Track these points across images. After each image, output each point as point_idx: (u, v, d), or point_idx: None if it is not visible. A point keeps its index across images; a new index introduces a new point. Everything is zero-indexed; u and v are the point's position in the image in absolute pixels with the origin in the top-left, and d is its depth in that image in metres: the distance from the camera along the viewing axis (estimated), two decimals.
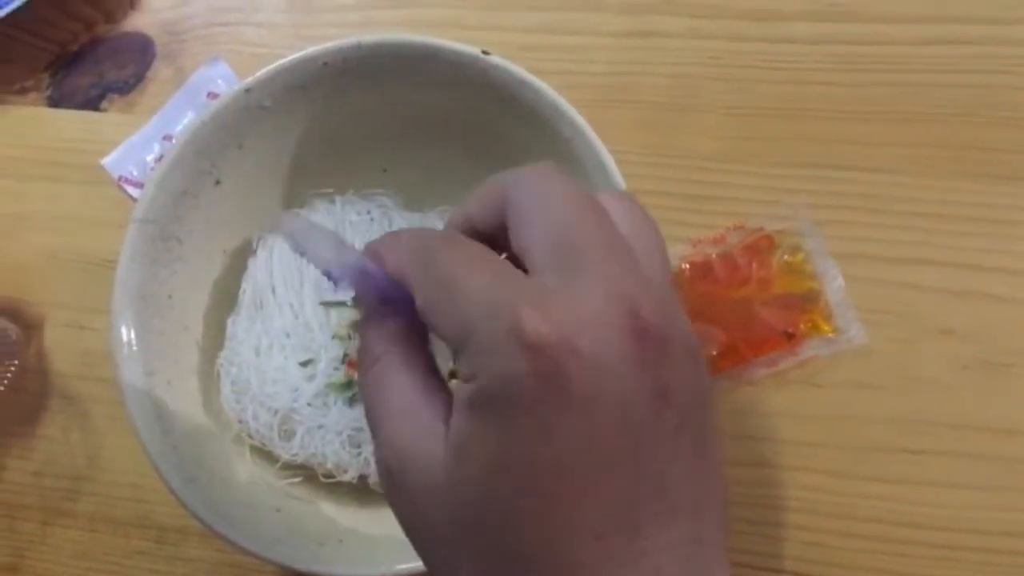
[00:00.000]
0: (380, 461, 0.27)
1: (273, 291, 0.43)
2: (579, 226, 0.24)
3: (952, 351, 0.48)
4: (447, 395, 0.26)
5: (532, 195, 0.25)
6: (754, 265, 0.49)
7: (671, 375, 0.23)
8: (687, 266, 0.50)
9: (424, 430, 0.25)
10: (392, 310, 0.27)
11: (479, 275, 0.24)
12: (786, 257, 0.49)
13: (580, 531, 0.23)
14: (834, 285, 0.49)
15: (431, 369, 0.27)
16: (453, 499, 0.24)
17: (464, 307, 0.24)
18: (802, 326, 0.48)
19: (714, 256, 0.50)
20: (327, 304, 0.43)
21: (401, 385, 0.26)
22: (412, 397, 0.26)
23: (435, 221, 0.46)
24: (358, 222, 0.45)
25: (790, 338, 0.48)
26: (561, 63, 0.55)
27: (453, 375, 0.39)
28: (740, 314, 0.49)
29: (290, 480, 0.44)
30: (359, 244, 0.44)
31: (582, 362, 0.22)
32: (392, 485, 0.26)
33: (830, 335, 0.48)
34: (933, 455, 0.46)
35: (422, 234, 0.27)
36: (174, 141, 0.43)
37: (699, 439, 0.24)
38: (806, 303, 0.49)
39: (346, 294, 0.44)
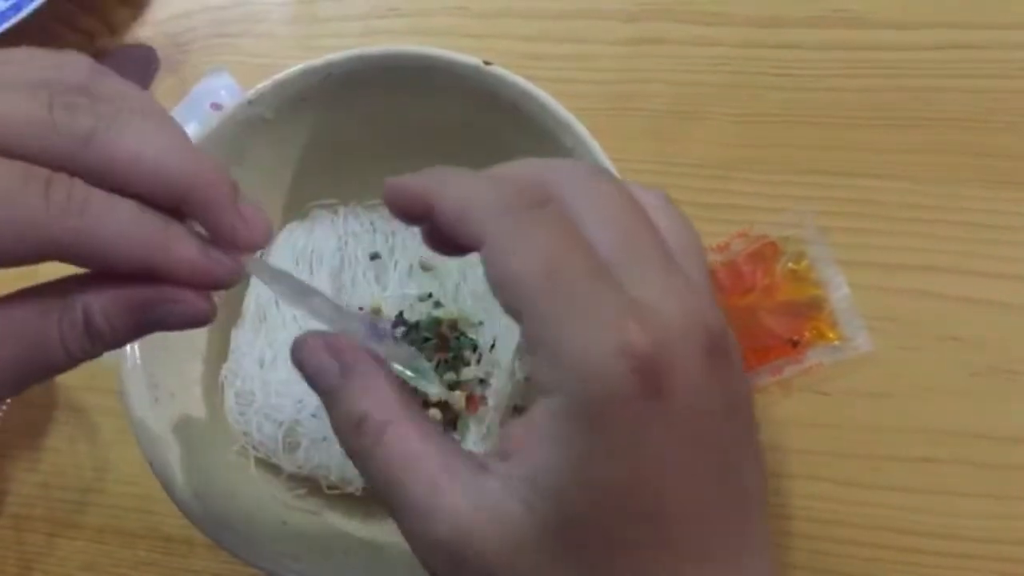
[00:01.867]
0: (437, 540, 0.23)
1: (277, 303, 0.43)
2: (637, 234, 0.24)
3: (959, 358, 0.47)
4: (456, 445, 0.25)
5: (586, 195, 0.24)
6: (759, 273, 0.49)
7: (737, 386, 0.23)
8: None
9: (481, 490, 0.23)
10: (369, 357, 0.26)
11: (582, 269, 0.22)
12: (790, 264, 0.49)
13: (681, 553, 0.23)
14: (839, 292, 0.48)
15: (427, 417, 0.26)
16: (547, 541, 0.22)
17: (558, 300, 0.22)
18: (807, 334, 0.48)
19: (719, 264, 0.49)
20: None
21: (432, 451, 0.24)
22: (448, 462, 0.24)
23: None
24: (361, 233, 0.45)
25: (795, 346, 0.48)
26: (565, 71, 0.55)
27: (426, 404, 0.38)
28: (745, 322, 0.48)
29: (295, 492, 0.44)
30: (362, 255, 0.44)
31: (678, 379, 0.22)
32: (458, 562, 0.23)
33: (836, 343, 0.48)
34: (941, 463, 0.46)
35: (496, 183, 0.25)
36: None
37: (756, 439, 0.25)
38: (811, 310, 0.48)
39: (352, 305, 0.44)
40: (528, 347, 0.22)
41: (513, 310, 0.23)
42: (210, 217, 0.25)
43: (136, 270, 0.23)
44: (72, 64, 0.25)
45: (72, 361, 0.24)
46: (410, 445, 0.24)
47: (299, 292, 0.27)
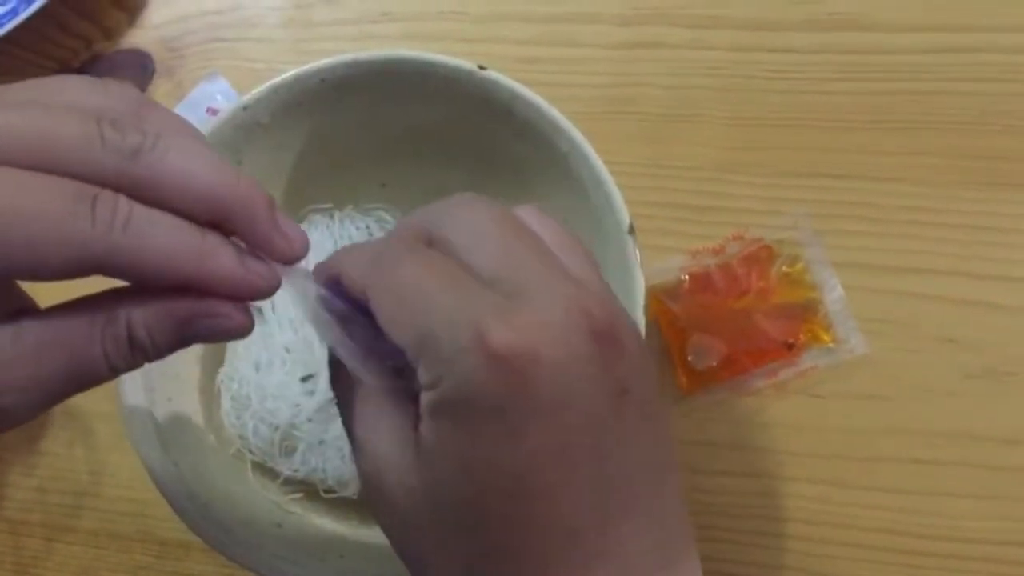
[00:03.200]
0: (359, 468, 0.27)
1: (273, 307, 0.43)
2: (513, 246, 0.25)
3: (954, 360, 0.47)
4: (408, 403, 0.27)
5: (459, 225, 0.26)
6: (754, 275, 0.49)
7: (628, 371, 0.24)
8: (686, 277, 0.49)
9: (396, 435, 0.26)
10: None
11: (438, 283, 0.24)
12: (785, 267, 0.49)
13: (553, 529, 0.24)
14: (834, 295, 0.49)
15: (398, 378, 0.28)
16: (428, 502, 0.25)
17: (424, 316, 0.24)
18: (802, 336, 0.48)
19: (713, 267, 0.50)
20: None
21: (373, 394, 0.27)
22: (383, 405, 0.27)
23: None
24: (357, 237, 0.45)
25: (790, 348, 0.48)
26: (560, 75, 0.55)
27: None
28: (740, 324, 0.48)
29: (291, 495, 0.44)
30: None
31: (547, 369, 0.23)
32: (371, 490, 0.27)
33: (830, 345, 0.48)
34: (936, 465, 0.46)
35: (377, 244, 0.28)
36: None
37: (654, 425, 0.25)
38: (806, 313, 0.49)
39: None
40: (412, 361, 0.24)
41: (401, 343, 0.25)
42: (253, 231, 0.25)
43: (178, 283, 0.24)
44: (121, 92, 0.26)
45: (113, 373, 0.25)
46: (364, 387, 0.27)
47: (330, 315, 0.27)
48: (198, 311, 0.25)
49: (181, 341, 0.26)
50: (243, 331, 0.26)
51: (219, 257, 0.25)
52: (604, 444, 0.24)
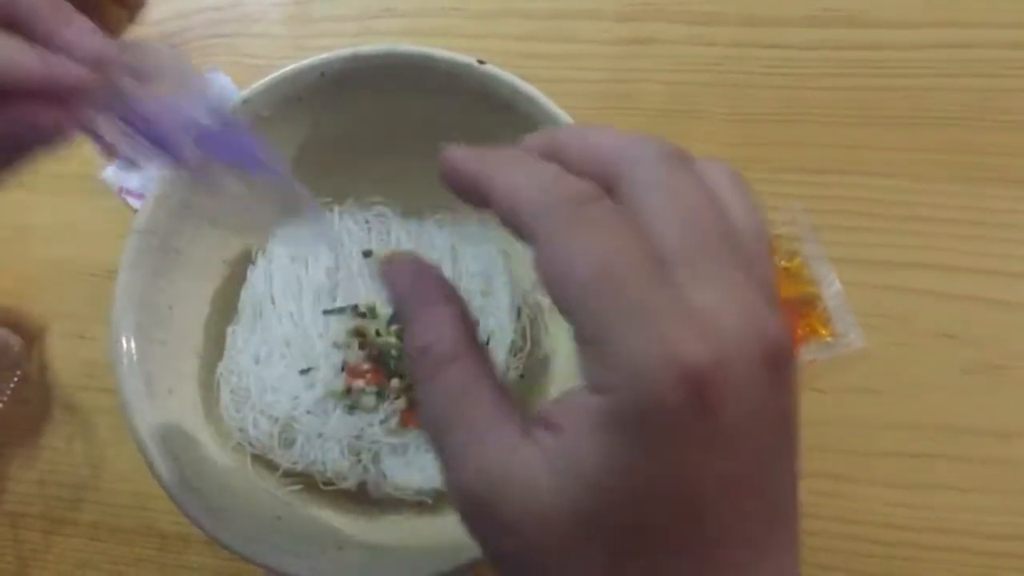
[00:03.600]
0: (464, 487, 0.24)
1: (272, 300, 0.44)
2: (702, 228, 0.23)
3: (952, 355, 0.48)
4: (511, 398, 0.24)
5: (652, 183, 0.23)
6: None
7: (788, 401, 0.23)
8: None
9: (516, 451, 0.23)
10: (445, 290, 0.25)
11: (627, 266, 0.22)
12: (784, 263, 0.49)
13: (708, 560, 0.23)
14: (832, 290, 0.49)
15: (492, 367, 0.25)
16: (579, 522, 0.23)
17: (608, 309, 0.21)
18: (800, 331, 0.48)
19: None
20: (329, 312, 0.43)
21: (484, 397, 0.24)
22: (495, 412, 0.24)
23: (433, 230, 0.46)
24: (356, 231, 0.46)
25: None
26: (559, 71, 0.55)
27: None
28: None
29: (290, 488, 0.44)
30: (357, 253, 0.44)
31: (730, 398, 0.21)
32: (481, 513, 0.24)
33: (829, 339, 0.48)
34: (934, 459, 0.46)
35: (546, 170, 0.24)
36: None
37: (795, 454, 0.24)
38: (805, 308, 0.49)
39: (347, 302, 0.44)
40: (578, 345, 0.22)
41: (562, 309, 0.22)
42: (39, 27, 0.25)
43: None
44: None
45: None
46: (464, 385, 0.24)
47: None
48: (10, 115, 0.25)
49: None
50: (58, 130, 0.26)
51: (16, 53, 0.25)
52: (763, 479, 0.23)
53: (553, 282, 0.22)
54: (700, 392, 0.21)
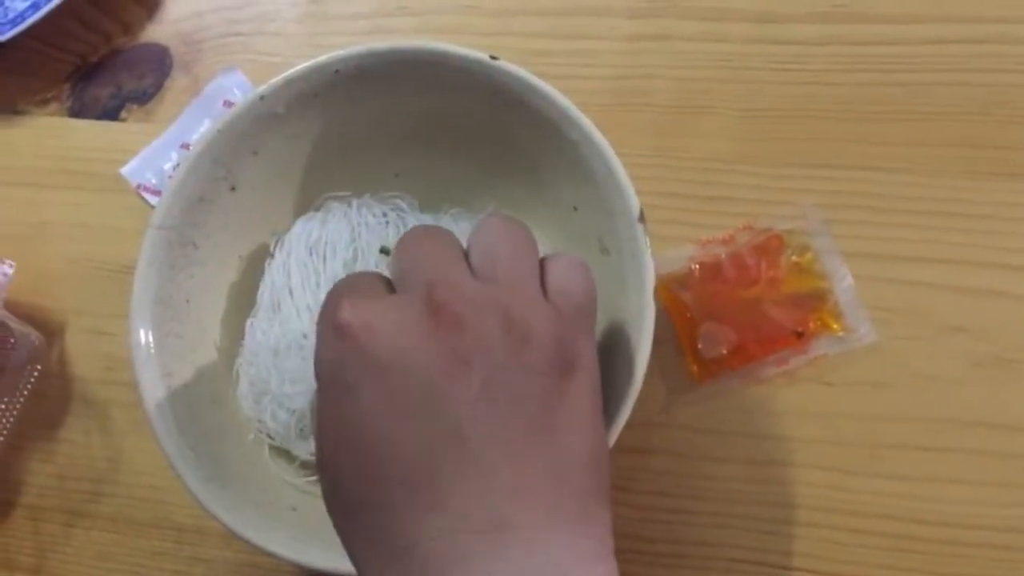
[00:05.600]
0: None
1: (291, 293, 0.44)
2: (417, 254, 0.31)
3: (963, 348, 0.48)
4: None
5: (400, 243, 0.33)
6: (763, 265, 0.50)
7: (472, 348, 0.27)
8: (696, 267, 0.50)
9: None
10: None
11: (336, 285, 0.31)
12: (794, 257, 0.50)
13: (387, 479, 0.26)
14: (843, 284, 0.49)
15: None
16: (318, 468, 0.30)
17: (320, 313, 0.30)
18: (812, 325, 0.49)
19: (723, 256, 0.50)
20: None
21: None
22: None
23: (449, 223, 0.47)
24: (374, 224, 0.46)
25: (800, 337, 0.48)
26: (570, 67, 0.56)
27: None
28: (750, 314, 0.49)
29: (307, 478, 0.45)
30: (375, 246, 0.45)
31: (378, 333, 0.27)
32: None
33: (840, 334, 0.48)
34: (944, 452, 0.47)
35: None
36: (191, 149, 0.44)
37: (520, 403, 0.27)
38: (816, 302, 0.49)
39: None
40: None
41: None
42: None
43: None
44: None
45: None
46: None
47: None
48: None
49: None
50: None
51: None
52: (432, 407, 0.27)
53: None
54: (346, 335, 0.28)
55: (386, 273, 0.43)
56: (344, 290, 0.30)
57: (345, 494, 0.28)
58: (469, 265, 0.31)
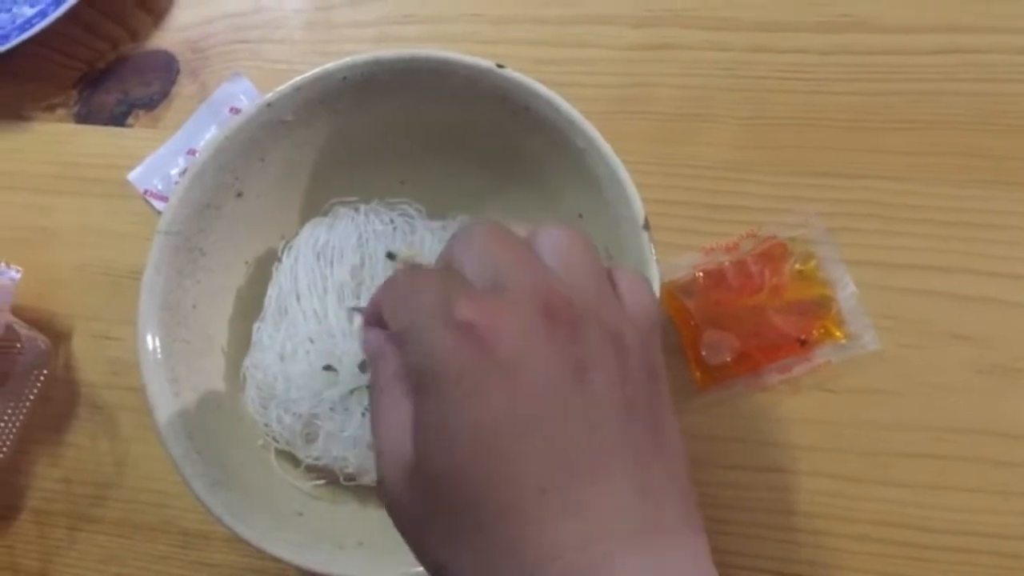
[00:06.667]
0: (376, 467, 0.29)
1: (298, 298, 0.44)
2: (495, 250, 0.29)
3: (966, 356, 0.48)
4: None
5: (459, 241, 0.30)
6: (767, 272, 0.50)
7: (588, 352, 0.27)
8: (700, 274, 0.50)
9: (401, 425, 0.28)
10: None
11: (427, 284, 0.28)
12: (798, 265, 0.50)
13: (521, 484, 0.25)
14: (847, 292, 0.49)
15: None
16: (418, 478, 0.27)
17: (414, 305, 0.28)
18: (815, 332, 0.49)
19: (727, 264, 0.50)
20: (355, 311, 0.44)
21: (393, 403, 0.29)
22: (395, 409, 0.29)
23: (455, 229, 0.47)
24: (382, 231, 0.46)
25: (803, 344, 0.48)
26: (576, 75, 0.56)
27: None
28: (753, 321, 0.49)
29: (313, 483, 0.45)
30: (381, 252, 0.45)
31: (505, 337, 0.26)
32: (381, 492, 0.29)
33: (843, 341, 0.49)
34: (948, 460, 0.47)
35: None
36: (197, 155, 0.44)
37: (634, 407, 0.27)
38: (819, 310, 0.49)
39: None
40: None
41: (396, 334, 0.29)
42: None
43: None
44: None
45: None
46: (389, 396, 0.29)
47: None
48: None
49: None
50: None
51: None
52: (563, 409, 0.26)
53: (389, 320, 0.29)
54: (470, 335, 0.26)
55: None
56: (444, 285, 0.28)
57: (463, 505, 0.26)
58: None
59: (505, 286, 0.28)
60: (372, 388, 0.31)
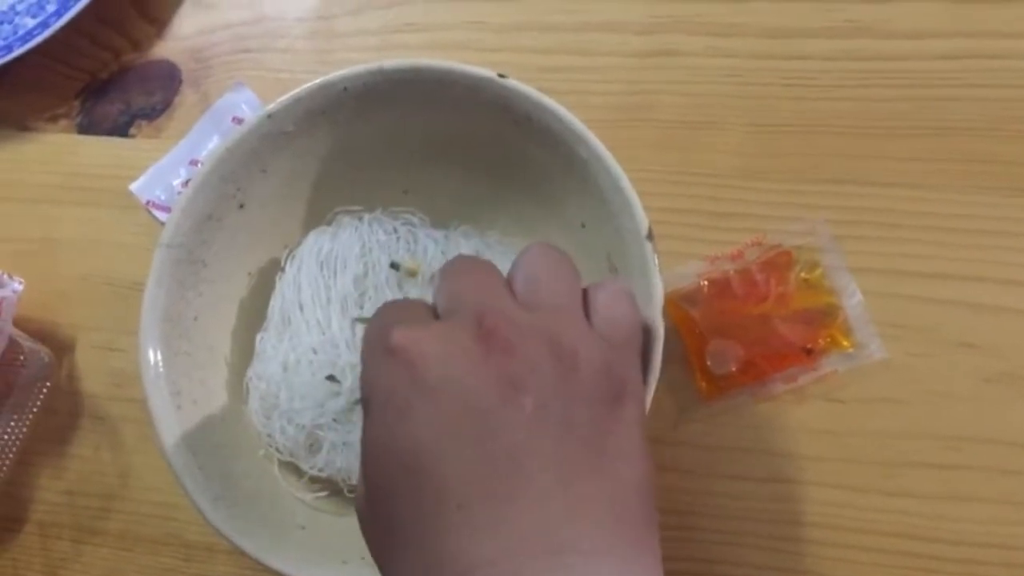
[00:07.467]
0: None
1: (301, 308, 0.44)
2: (460, 281, 0.32)
3: (974, 365, 0.47)
4: None
5: (441, 274, 0.33)
6: (772, 281, 0.49)
7: (522, 373, 0.27)
8: (705, 283, 0.50)
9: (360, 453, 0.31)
10: None
11: (383, 309, 0.32)
12: (803, 273, 0.49)
13: (444, 500, 0.26)
14: (853, 300, 0.49)
15: None
16: (366, 499, 0.30)
17: (367, 333, 0.31)
18: (821, 341, 0.48)
19: (732, 272, 0.50)
20: (358, 321, 0.44)
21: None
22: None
23: (459, 239, 0.47)
24: (385, 239, 0.46)
25: (809, 354, 0.48)
26: (580, 83, 0.56)
27: None
28: (759, 330, 0.49)
29: (316, 494, 0.45)
30: (385, 261, 0.45)
31: (431, 358, 0.28)
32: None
33: (850, 350, 0.48)
34: (956, 469, 0.46)
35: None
36: (199, 167, 0.44)
37: (574, 427, 0.28)
38: (825, 318, 0.49)
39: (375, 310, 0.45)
40: None
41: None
42: None
43: None
44: None
45: None
46: None
47: None
48: None
49: None
50: None
51: None
52: (486, 428, 0.27)
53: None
54: (398, 358, 0.28)
55: (412, 295, 0.44)
56: (392, 315, 0.31)
57: (395, 520, 0.28)
58: (513, 293, 0.31)
59: (456, 311, 0.30)
60: None
